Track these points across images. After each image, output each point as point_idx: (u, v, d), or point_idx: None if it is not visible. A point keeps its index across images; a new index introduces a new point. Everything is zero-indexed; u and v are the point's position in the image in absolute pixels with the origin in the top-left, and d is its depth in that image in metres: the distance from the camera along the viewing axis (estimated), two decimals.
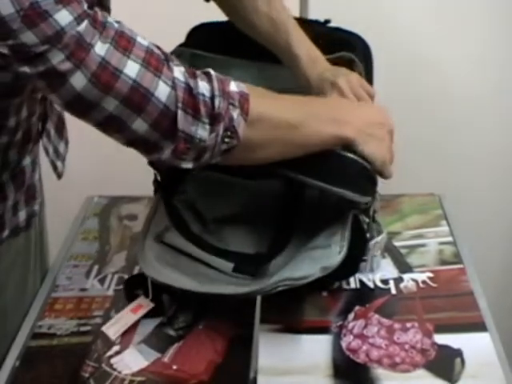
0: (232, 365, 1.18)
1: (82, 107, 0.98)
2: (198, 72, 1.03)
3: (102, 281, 1.38)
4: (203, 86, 1.01)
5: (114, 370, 1.17)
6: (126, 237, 1.51)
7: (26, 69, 0.94)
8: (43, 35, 0.90)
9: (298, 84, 1.32)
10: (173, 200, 1.29)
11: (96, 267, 1.42)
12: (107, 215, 1.58)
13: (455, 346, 1.19)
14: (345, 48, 1.32)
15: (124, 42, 0.97)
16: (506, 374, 1.13)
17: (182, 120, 1.00)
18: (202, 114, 1.01)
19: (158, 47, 1.02)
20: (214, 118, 1.02)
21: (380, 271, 1.36)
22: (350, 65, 1.33)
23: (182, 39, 1.41)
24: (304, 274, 1.16)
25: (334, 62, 1.32)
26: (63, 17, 0.91)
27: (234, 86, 1.04)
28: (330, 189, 1.16)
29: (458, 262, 1.39)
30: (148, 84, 0.98)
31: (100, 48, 0.94)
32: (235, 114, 1.03)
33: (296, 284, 1.15)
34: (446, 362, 1.16)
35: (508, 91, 2.07)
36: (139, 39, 0.99)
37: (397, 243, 1.45)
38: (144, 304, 1.29)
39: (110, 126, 1.01)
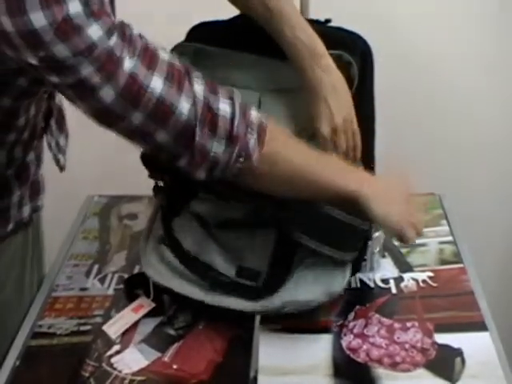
0: (232, 364, 1.18)
1: (110, 119, 1.01)
2: (220, 89, 1.05)
3: (102, 280, 1.38)
4: (224, 105, 1.04)
5: (115, 369, 1.17)
6: (126, 236, 1.51)
7: (55, 78, 0.96)
8: (75, 48, 0.92)
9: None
10: (172, 222, 1.29)
11: (96, 266, 1.42)
12: (107, 214, 1.58)
13: (455, 345, 1.19)
14: (345, 47, 1.32)
15: (149, 57, 0.99)
16: (506, 374, 1.14)
17: (199, 134, 1.03)
18: (219, 131, 1.04)
19: (179, 61, 1.04)
20: (231, 138, 1.04)
21: (380, 271, 1.36)
22: (346, 66, 1.33)
23: (182, 38, 1.40)
24: (309, 298, 1.20)
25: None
26: (94, 31, 0.93)
27: (254, 113, 1.07)
28: (318, 247, 1.18)
29: (458, 262, 1.39)
30: (171, 99, 1.00)
31: (128, 63, 0.96)
32: (252, 140, 1.06)
33: (300, 308, 1.20)
34: (446, 362, 1.16)
35: (509, 89, 2.07)
36: (161, 52, 1.02)
37: (397, 243, 1.42)
38: (145, 304, 1.29)
39: (135, 136, 1.04)
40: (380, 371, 1.15)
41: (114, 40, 0.95)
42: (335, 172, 1.14)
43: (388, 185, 1.18)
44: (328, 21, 1.36)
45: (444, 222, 1.51)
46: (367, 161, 1.33)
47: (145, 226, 1.33)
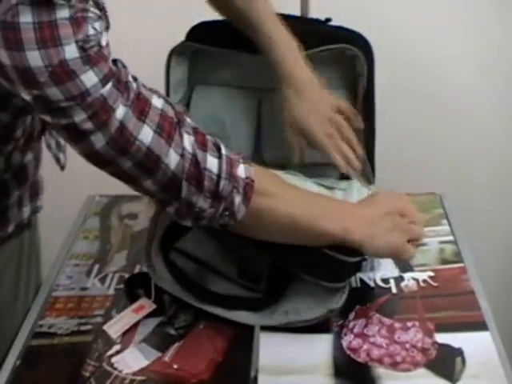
0: (232, 364, 1.18)
1: (100, 161, 1.02)
2: (210, 143, 1.05)
3: (102, 280, 1.38)
4: (211, 163, 1.04)
5: (115, 369, 1.17)
6: (127, 236, 1.50)
7: (48, 118, 0.97)
8: (68, 93, 0.92)
9: None
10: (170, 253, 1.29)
11: (97, 266, 1.42)
12: (108, 214, 1.58)
13: (456, 345, 1.18)
14: (347, 43, 1.32)
15: (141, 105, 0.99)
16: (506, 373, 1.13)
17: (186, 189, 1.04)
18: (205, 188, 1.04)
19: (173, 106, 1.04)
20: (216, 197, 1.05)
21: (381, 270, 1.36)
22: (351, 60, 1.32)
23: (182, 38, 1.40)
24: (309, 317, 1.21)
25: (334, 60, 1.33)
26: (89, 78, 0.93)
27: (241, 170, 1.06)
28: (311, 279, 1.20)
29: (458, 261, 1.39)
30: (160, 151, 1.01)
31: (120, 111, 0.97)
32: (237, 199, 1.06)
33: (301, 325, 1.21)
34: (446, 361, 1.16)
35: (509, 90, 2.07)
36: (154, 100, 1.01)
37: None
38: (146, 305, 1.29)
39: (123, 179, 1.05)
40: (380, 371, 1.15)
41: (108, 88, 0.95)
42: (320, 216, 1.14)
43: (374, 211, 1.18)
44: (328, 20, 1.37)
45: (444, 221, 1.51)
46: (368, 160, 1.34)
47: (148, 228, 1.32)
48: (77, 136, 0.98)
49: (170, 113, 1.02)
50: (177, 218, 1.10)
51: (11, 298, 1.35)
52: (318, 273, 1.19)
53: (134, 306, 1.29)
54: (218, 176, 1.04)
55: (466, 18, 1.98)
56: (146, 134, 0.99)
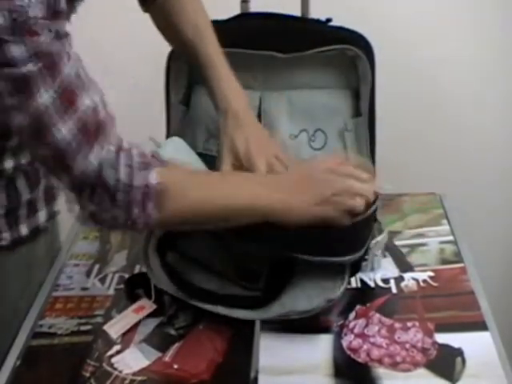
0: (233, 364, 1.18)
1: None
2: (125, 157, 1.04)
3: (102, 280, 1.38)
4: (123, 170, 1.03)
5: (115, 369, 1.17)
6: (127, 236, 1.50)
7: None
8: None
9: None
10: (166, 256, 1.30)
11: (97, 266, 1.42)
12: None
13: (456, 345, 1.18)
14: (348, 44, 1.32)
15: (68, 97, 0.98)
16: (506, 373, 1.13)
17: (97, 196, 1.03)
18: (117, 198, 1.03)
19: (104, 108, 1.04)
20: (125, 206, 1.04)
21: (381, 270, 1.36)
22: (352, 61, 1.32)
23: None
24: (308, 307, 1.20)
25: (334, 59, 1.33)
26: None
27: (153, 179, 1.04)
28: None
29: (458, 261, 1.39)
30: (73, 153, 1.00)
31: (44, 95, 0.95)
32: (150, 206, 1.05)
33: (300, 316, 1.20)
34: (446, 361, 1.16)
35: (508, 90, 2.07)
36: (83, 98, 1.00)
37: (398, 242, 1.45)
38: (146, 305, 1.29)
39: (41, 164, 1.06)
40: (380, 371, 1.15)
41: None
42: (240, 192, 1.13)
43: (297, 177, 1.16)
44: (329, 20, 1.36)
45: (445, 221, 1.51)
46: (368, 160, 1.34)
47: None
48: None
49: (91, 118, 1.00)
50: (94, 224, 1.10)
51: (20, 299, 1.35)
52: (325, 249, 1.18)
53: (135, 306, 1.29)
54: (129, 186, 1.03)
55: (467, 18, 1.98)
56: (63, 131, 0.97)
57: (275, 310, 1.22)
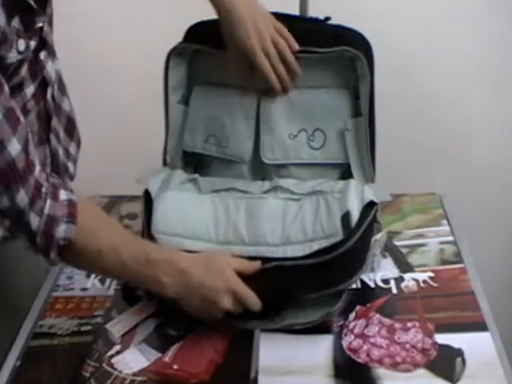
0: (233, 364, 1.18)
1: None
2: (39, 199, 1.08)
3: (102, 280, 1.38)
4: (33, 219, 1.08)
5: (115, 369, 1.18)
6: None
7: None
8: None
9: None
10: None
11: None
12: (108, 214, 1.57)
13: (456, 345, 1.19)
14: (347, 43, 1.32)
15: None
16: (506, 374, 1.13)
17: (12, 226, 1.13)
18: (25, 235, 1.10)
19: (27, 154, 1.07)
20: (33, 246, 1.11)
21: (381, 271, 1.36)
22: (351, 61, 1.32)
23: (180, 39, 1.40)
24: (308, 320, 1.23)
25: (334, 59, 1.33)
26: None
27: (60, 230, 1.10)
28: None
29: (458, 262, 1.39)
30: None
31: None
32: (52, 254, 1.12)
33: (301, 327, 1.23)
34: (446, 362, 1.16)
35: (508, 90, 2.07)
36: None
37: (397, 243, 1.45)
38: (148, 305, 1.30)
39: None
40: (380, 371, 1.15)
41: None
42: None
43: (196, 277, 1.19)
44: (327, 19, 1.36)
45: (444, 221, 1.51)
46: (368, 161, 1.34)
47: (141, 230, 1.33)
48: None
49: (21, 165, 1.04)
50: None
51: (30, 285, 1.37)
52: (323, 284, 1.21)
53: (137, 306, 1.30)
54: (35, 233, 1.09)
55: (467, 18, 1.97)
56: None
57: (277, 321, 1.24)
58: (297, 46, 1.33)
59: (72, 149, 1.38)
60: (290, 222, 1.27)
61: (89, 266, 1.19)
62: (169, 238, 1.27)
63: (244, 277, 1.19)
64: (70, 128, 1.37)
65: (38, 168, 1.08)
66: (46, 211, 1.08)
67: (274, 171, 1.39)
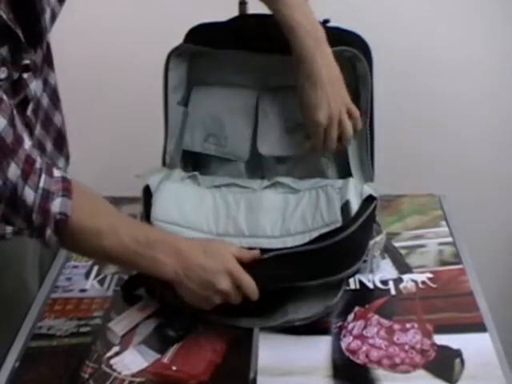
0: (232, 365, 1.18)
1: None
2: (34, 174, 1.06)
3: (101, 281, 1.39)
4: (28, 194, 1.06)
5: (114, 370, 1.18)
6: None
7: None
8: None
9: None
10: None
11: (95, 268, 1.42)
12: None
13: (455, 346, 1.19)
14: (346, 45, 1.32)
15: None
16: (505, 375, 1.13)
17: (4, 210, 1.07)
18: (20, 215, 1.07)
19: (14, 131, 1.05)
20: (30, 226, 1.08)
21: (380, 272, 1.36)
22: (350, 62, 1.33)
23: (180, 40, 1.40)
24: (308, 315, 1.23)
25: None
26: None
27: (56, 205, 1.08)
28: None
29: (457, 263, 1.39)
30: None
31: None
32: (48, 232, 1.09)
33: (301, 323, 1.23)
34: (445, 363, 1.16)
35: (508, 90, 2.07)
36: None
37: (396, 244, 1.45)
38: (150, 303, 1.30)
39: None
40: (379, 372, 1.15)
41: None
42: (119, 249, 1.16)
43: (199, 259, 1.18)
44: (326, 21, 1.35)
45: (443, 223, 1.51)
46: (367, 160, 1.34)
47: None
48: None
49: (9, 139, 1.03)
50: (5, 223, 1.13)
51: (16, 293, 1.36)
52: (325, 271, 1.21)
53: (137, 305, 1.30)
54: (31, 209, 1.06)
55: (466, 19, 1.97)
56: None
57: (277, 318, 1.23)
58: (360, 126, 1.32)
59: (60, 163, 1.38)
60: (289, 214, 1.28)
61: (87, 247, 1.15)
62: (167, 225, 1.26)
63: (242, 266, 1.19)
64: (60, 142, 1.37)
65: (28, 143, 1.06)
66: (41, 185, 1.07)
67: (272, 169, 1.40)
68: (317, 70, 1.27)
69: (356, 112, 1.31)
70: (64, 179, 1.10)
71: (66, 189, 1.09)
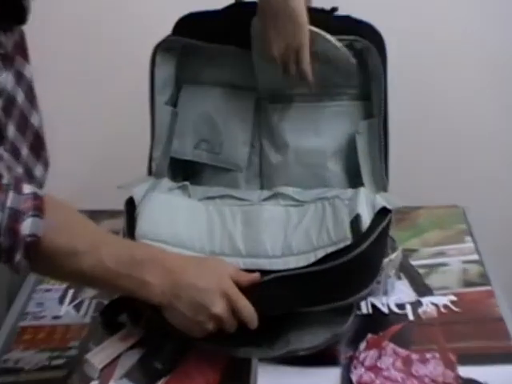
0: None
1: None
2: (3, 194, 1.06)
3: (78, 307, 1.39)
4: None
5: None
6: None
7: None
8: None
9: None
10: None
11: (71, 291, 1.42)
12: None
13: (482, 379, 1.18)
14: (356, 35, 1.33)
15: None
16: None
17: None
18: None
19: None
20: None
21: (395, 294, 1.36)
22: (361, 55, 1.33)
23: (168, 32, 1.40)
24: (314, 343, 1.22)
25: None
26: None
27: (26, 226, 1.06)
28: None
29: (484, 284, 1.39)
30: None
31: None
32: (18, 256, 1.06)
33: (306, 353, 1.22)
34: None
35: None
36: None
37: (414, 262, 1.45)
38: (133, 332, 1.28)
39: None
40: None
41: None
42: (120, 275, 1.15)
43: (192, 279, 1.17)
44: (334, 9, 1.36)
45: (468, 238, 1.52)
46: (380, 167, 1.34)
47: None
48: None
49: None
50: None
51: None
52: (330, 296, 1.20)
53: (119, 334, 1.29)
54: None
55: (470, 19, 1.96)
56: None
57: (279, 348, 1.23)
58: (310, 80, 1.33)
59: (38, 171, 1.36)
60: (292, 230, 1.28)
61: (63, 270, 1.13)
62: (153, 243, 1.25)
63: (240, 290, 1.18)
64: (37, 146, 1.35)
65: None
66: (9, 204, 1.05)
67: (273, 178, 1.40)
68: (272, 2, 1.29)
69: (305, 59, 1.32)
70: (35, 196, 1.08)
71: (38, 207, 1.08)
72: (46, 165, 1.39)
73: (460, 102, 2.04)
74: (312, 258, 1.21)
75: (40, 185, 1.37)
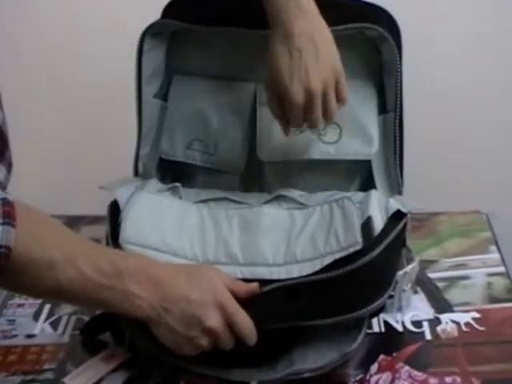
0: None
1: None
2: None
3: (54, 324, 1.39)
4: None
5: None
6: None
7: None
8: None
9: None
10: None
11: (47, 307, 1.42)
12: None
13: None
14: (367, 22, 1.33)
15: None
16: None
17: None
18: None
19: None
20: None
21: (411, 310, 1.36)
22: (374, 43, 1.35)
23: (157, 16, 1.41)
24: (320, 364, 1.22)
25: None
26: None
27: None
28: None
29: (511, 300, 1.39)
30: None
31: None
32: None
33: (310, 375, 1.22)
34: None
35: None
36: None
37: (432, 275, 1.45)
38: (117, 353, 1.29)
39: None
40: None
41: None
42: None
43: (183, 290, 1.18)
44: None
45: (493, 248, 1.52)
46: (395, 168, 1.36)
47: None
48: None
49: None
50: None
51: None
52: (341, 308, 1.20)
53: (101, 355, 1.29)
54: None
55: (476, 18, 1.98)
56: None
57: (280, 369, 1.22)
58: (345, 101, 1.32)
59: (0, 173, 1.37)
60: (295, 234, 1.28)
61: (37, 284, 1.12)
62: (140, 249, 1.26)
63: (237, 301, 1.18)
64: (0, 146, 1.36)
65: None
66: None
67: (275, 181, 1.42)
68: (293, 30, 1.27)
69: (342, 77, 1.31)
70: (5, 202, 1.08)
71: (8, 214, 1.07)
72: (9, 167, 1.40)
73: (485, 99, 2.06)
74: (318, 265, 1.21)
75: (3, 188, 1.37)
